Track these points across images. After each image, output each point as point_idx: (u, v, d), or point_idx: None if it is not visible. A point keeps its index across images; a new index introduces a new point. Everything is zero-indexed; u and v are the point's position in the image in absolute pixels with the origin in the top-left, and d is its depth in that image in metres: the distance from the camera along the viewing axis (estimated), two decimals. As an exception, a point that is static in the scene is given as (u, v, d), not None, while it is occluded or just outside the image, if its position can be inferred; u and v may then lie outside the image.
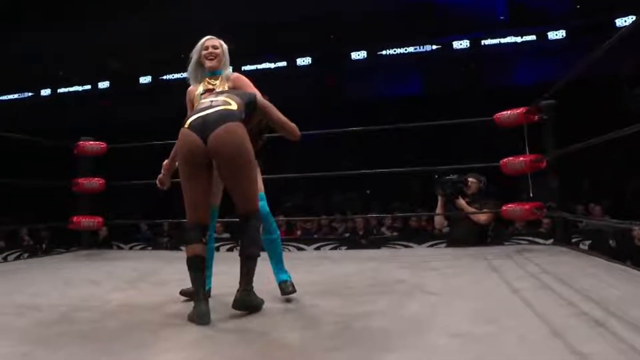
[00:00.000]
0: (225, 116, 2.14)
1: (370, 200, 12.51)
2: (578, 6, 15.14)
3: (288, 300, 2.39)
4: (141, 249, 7.23)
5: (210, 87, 2.58)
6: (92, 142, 4.71)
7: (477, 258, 3.43)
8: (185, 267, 2.12)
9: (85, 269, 3.58)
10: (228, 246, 5.96)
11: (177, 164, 2.29)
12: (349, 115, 13.59)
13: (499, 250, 3.77)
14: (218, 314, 2.10)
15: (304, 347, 1.70)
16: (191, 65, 2.64)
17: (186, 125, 2.17)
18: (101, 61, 17.57)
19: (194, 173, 2.15)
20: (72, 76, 18.55)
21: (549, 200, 3.82)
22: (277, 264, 2.54)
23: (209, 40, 2.64)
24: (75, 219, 4.57)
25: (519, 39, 15.61)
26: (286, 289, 2.44)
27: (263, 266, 2.33)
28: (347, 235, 7.72)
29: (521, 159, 3.81)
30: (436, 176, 4.35)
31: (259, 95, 2.45)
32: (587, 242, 5.27)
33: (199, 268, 2.10)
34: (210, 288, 2.47)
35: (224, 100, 2.23)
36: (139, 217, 10.26)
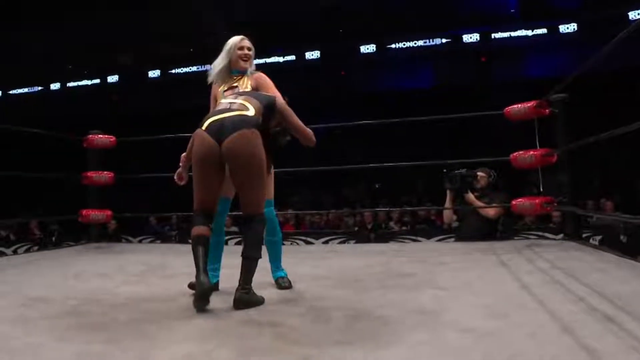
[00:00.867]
0: (241, 122, 2.19)
1: (379, 194, 12.49)
2: (590, -1, 14.94)
3: (297, 294, 2.40)
4: (150, 242, 7.27)
5: (235, 84, 2.64)
6: (101, 136, 4.73)
7: (486, 253, 3.41)
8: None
9: (94, 262, 3.59)
10: (237, 239, 5.97)
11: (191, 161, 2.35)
12: (357, 109, 13.56)
13: (508, 245, 3.75)
14: (227, 307, 2.12)
15: (314, 340, 1.69)
16: (220, 63, 2.67)
17: (203, 127, 2.23)
18: (110, 55, 17.56)
19: (206, 173, 2.23)
20: (81, 70, 18.57)
21: (560, 195, 3.79)
22: (275, 262, 2.65)
23: (244, 41, 2.69)
24: (84, 212, 4.59)
25: (530, 33, 15.39)
26: (283, 284, 2.55)
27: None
28: (356, 229, 7.72)
29: (531, 153, 3.79)
30: (445, 170, 4.33)
31: (279, 98, 2.49)
32: (598, 238, 5.22)
33: (201, 244, 2.17)
34: (217, 281, 2.49)
35: (242, 104, 2.28)
36: (148, 210, 10.29)
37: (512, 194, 4.15)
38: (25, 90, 19.44)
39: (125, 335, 1.78)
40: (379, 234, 6.89)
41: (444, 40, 16.17)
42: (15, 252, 6.45)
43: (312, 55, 17.16)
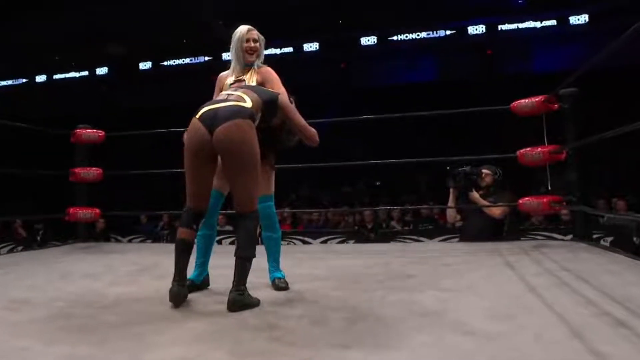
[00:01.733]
0: (235, 112, 2.19)
1: (379, 192, 12.34)
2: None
3: (294, 295, 2.36)
4: (140, 241, 7.14)
5: (242, 77, 2.61)
6: (89, 130, 4.59)
7: (492, 253, 3.36)
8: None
9: (82, 263, 3.53)
10: (231, 239, 5.86)
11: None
12: (357, 104, 13.38)
13: (514, 246, 3.68)
14: (221, 308, 2.09)
15: (312, 343, 1.65)
16: (230, 55, 2.64)
17: (197, 116, 2.23)
18: (100, 46, 17.18)
19: (197, 164, 2.22)
20: (68, 62, 18.23)
21: (569, 194, 3.72)
22: (274, 262, 2.60)
23: (250, 32, 2.64)
24: (71, 210, 4.46)
25: (538, 24, 15.10)
26: (280, 284, 2.50)
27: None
28: (356, 228, 7.57)
29: (539, 149, 3.74)
30: (448, 167, 4.26)
31: (283, 96, 2.46)
32: (609, 239, 5.08)
33: (182, 251, 2.20)
34: (207, 274, 2.53)
35: (239, 96, 2.27)
36: (138, 209, 10.11)
37: (519, 193, 4.07)
38: (9, 82, 19.00)
39: (115, 338, 1.76)
40: (380, 233, 6.75)
41: (447, 32, 15.90)
42: (-3, 252, 6.31)
43: (311, 47, 16.88)
